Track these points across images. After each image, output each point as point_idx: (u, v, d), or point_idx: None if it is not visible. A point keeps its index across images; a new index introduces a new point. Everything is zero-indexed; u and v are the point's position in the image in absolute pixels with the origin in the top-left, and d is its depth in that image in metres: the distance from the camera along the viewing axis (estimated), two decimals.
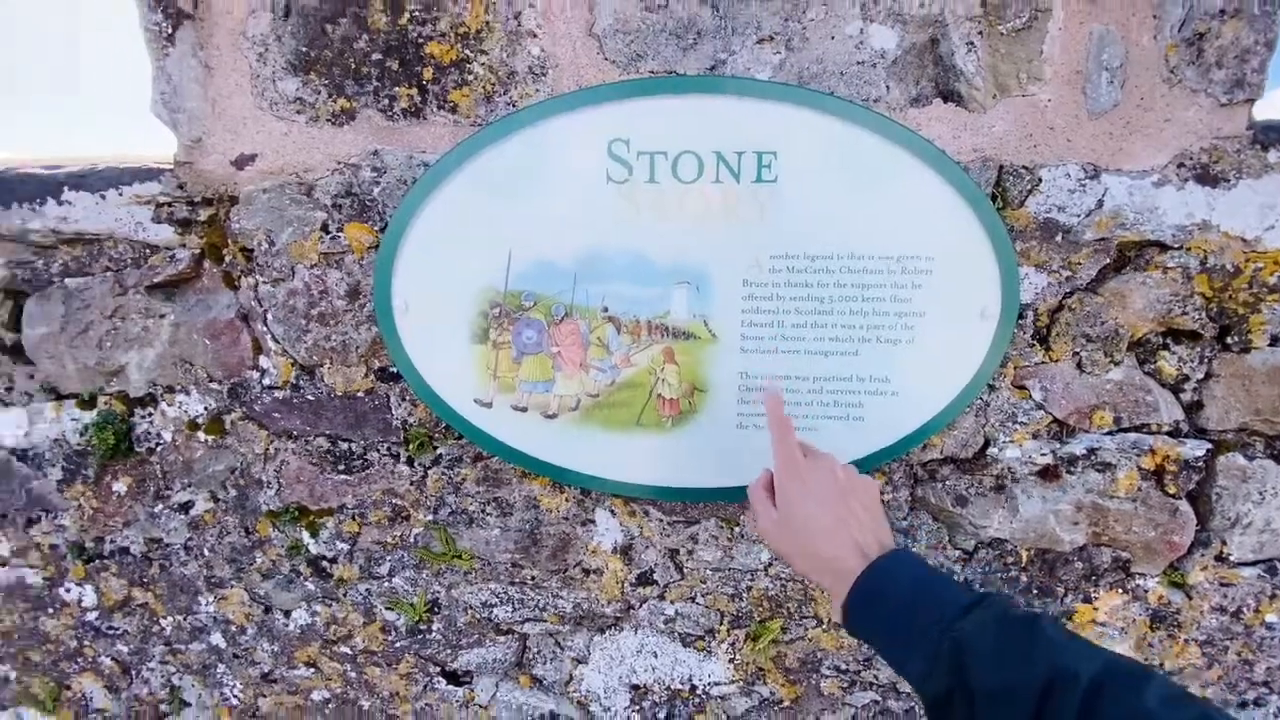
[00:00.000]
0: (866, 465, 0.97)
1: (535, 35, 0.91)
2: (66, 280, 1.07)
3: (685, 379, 0.95)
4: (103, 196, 1.02)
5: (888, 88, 0.90)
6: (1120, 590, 1.03)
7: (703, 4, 0.88)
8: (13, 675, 1.29)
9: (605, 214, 0.91)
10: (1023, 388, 0.97)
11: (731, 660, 1.11)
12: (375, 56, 0.93)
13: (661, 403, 0.96)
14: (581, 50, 0.91)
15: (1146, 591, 1.02)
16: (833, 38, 0.89)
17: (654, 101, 0.88)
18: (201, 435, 1.10)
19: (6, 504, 1.18)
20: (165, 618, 1.21)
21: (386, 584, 1.15)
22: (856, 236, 0.89)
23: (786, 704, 1.12)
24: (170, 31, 0.93)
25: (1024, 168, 0.91)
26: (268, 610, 1.19)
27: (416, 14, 0.91)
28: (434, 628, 1.16)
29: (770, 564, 1.06)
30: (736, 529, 1.05)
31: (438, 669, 1.19)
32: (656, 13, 0.89)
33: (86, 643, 1.25)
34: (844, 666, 1.10)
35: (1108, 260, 0.92)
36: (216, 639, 1.21)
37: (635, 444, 0.98)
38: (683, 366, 0.95)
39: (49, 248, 1.07)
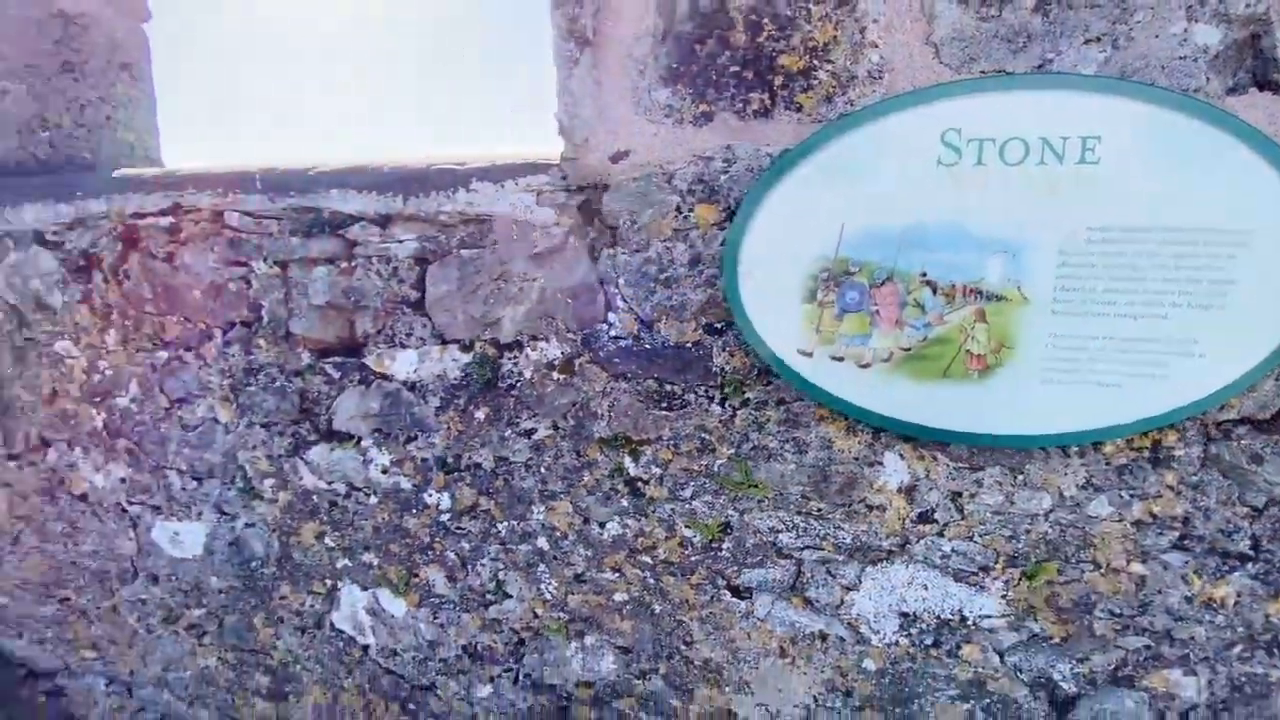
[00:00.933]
0: (1165, 421, 1.07)
1: (876, 45, 1.09)
2: (462, 251, 1.39)
3: (994, 337, 1.10)
4: (501, 186, 1.32)
5: (1207, 79, 1.00)
6: None
7: (1034, 12, 1.03)
8: (375, 562, 1.65)
9: (932, 192, 1.08)
10: None
11: (1004, 596, 1.24)
12: (733, 69, 1.16)
13: (969, 357, 1.11)
14: (918, 56, 1.08)
15: None
16: (1157, 36, 1.00)
17: (985, 97, 1.04)
18: (555, 375, 1.38)
19: (393, 424, 1.54)
20: (502, 522, 1.52)
21: (688, 505, 1.38)
22: (1173, 210, 1.00)
23: (1056, 641, 1.23)
24: (577, 56, 1.20)
25: None
26: (586, 521, 1.46)
27: (773, 34, 1.13)
28: (724, 546, 1.38)
29: (1052, 510, 1.18)
30: (1020, 476, 1.18)
31: (724, 583, 1.40)
32: (990, 21, 1.04)
33: (437, 539, 1.58)
34: (1118, 610, 1.19)
35: None
36: (542, 543, 1.50)
37: (940, 393, 1.14)
38: (993, 325, 1.09)
39: (450, 226, 1.39)
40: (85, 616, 2.00)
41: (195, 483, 1.74)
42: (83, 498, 1.86)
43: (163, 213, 1.56)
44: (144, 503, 1.80)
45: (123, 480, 1.80)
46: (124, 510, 1.83)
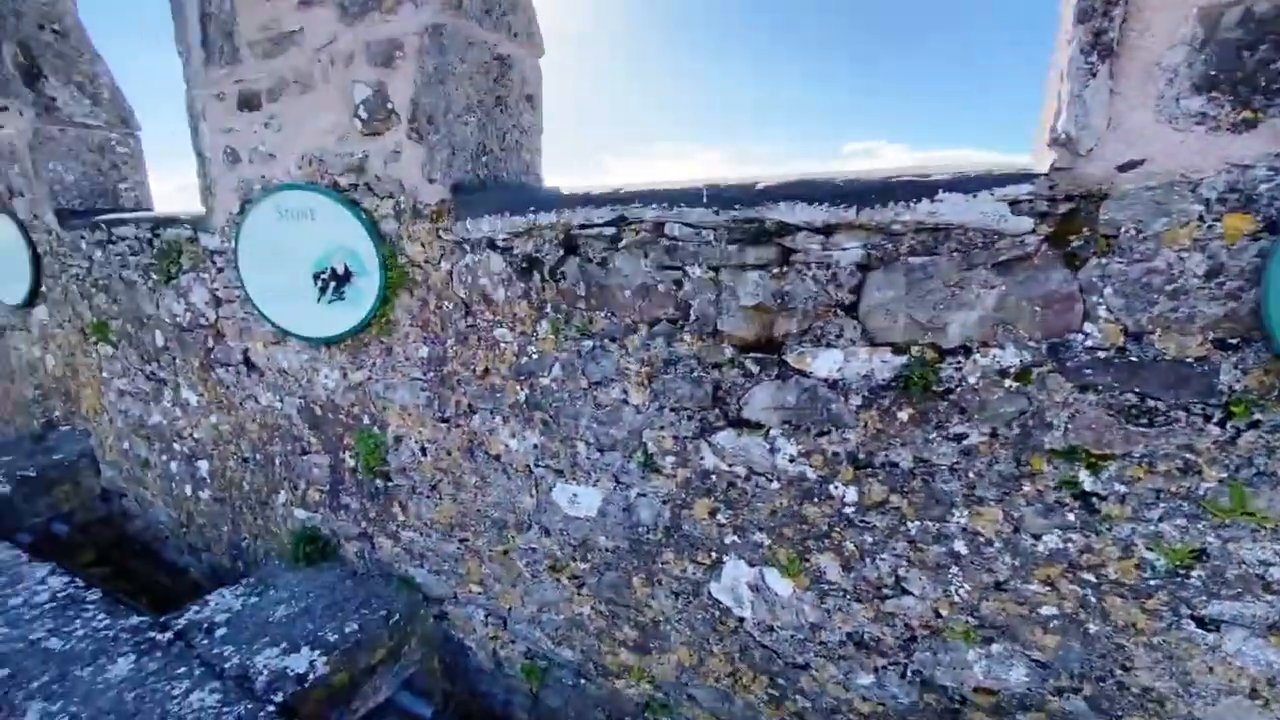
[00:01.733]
0: None
1: None
2: (910, 258, 1.46)
3: None
4: (973, 196, 1.36)
5: None
6: None
7: None
8: (767, 542, 1.80)
9: None
10: None
11: None
12: None
13: None
14: None
15: None
16: None
17: None
18: (1007, 382, 1.41)
19: (805, 417, 1.66)
20: (913, 521, 1.58)
21: (1153, 527, 1.33)
22: None
23: None
24: (1097, 68, 1.21)
25: None
26: (1017, 530, 1.46)
27: None
28: (1194, 574, 1.31)
29: None
30: None
31: (1189, 612, 1.33)
32: None
33: (836, 529, 1.68)
34: None
35: None
36: (959, 546, 1.53)
37: None
38: None
39: (899, 234, 1.47)
40: (479, 556, 2.40)
41: (599, 454, 2.01)
42: (496, 457, 2.23)
43: (608, 224, 1.83)
44: (549, 466, 2.12)
45: (535, 446, 2.13)
46: (530, 471, 2.17)
